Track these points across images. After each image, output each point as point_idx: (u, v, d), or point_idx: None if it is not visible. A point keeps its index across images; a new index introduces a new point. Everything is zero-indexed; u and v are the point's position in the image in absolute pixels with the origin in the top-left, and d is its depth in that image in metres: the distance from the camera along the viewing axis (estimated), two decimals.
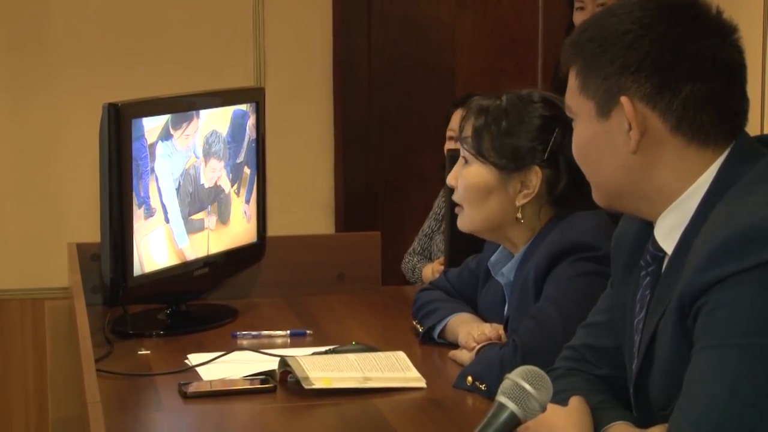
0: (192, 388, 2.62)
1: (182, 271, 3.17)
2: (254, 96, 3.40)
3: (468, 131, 2.78)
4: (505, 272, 2.81)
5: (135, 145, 2.96)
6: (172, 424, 2.59)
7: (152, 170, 3.03)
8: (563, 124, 2.67)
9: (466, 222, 2.82)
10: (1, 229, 4.98)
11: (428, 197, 4.27)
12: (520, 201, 2.73)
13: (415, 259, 4.00)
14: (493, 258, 2.85)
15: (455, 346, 2.84)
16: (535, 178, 2.71)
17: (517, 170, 2.72)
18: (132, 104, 2.99)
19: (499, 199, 2.75)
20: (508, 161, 2.72)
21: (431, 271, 3.82)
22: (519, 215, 2.73)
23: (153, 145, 3.02)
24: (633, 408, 2.00)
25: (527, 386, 1.80)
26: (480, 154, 2.76)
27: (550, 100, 2.75)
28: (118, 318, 3.13)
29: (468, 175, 2.79)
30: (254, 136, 3.34)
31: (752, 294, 1.73)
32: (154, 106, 3.08)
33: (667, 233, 1.90)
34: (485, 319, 2.86)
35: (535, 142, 2.72)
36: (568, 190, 2.72)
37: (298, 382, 2.59)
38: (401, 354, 2.76)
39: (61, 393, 3.30)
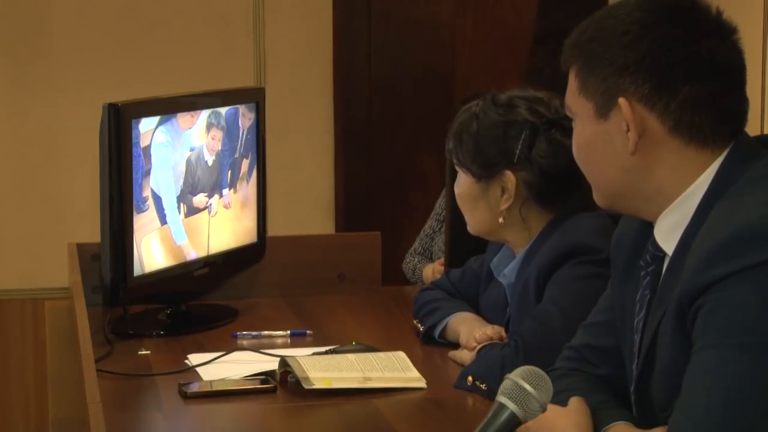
0: (192, 388, 2.62)
1: (182, 271, 3.17)
2: (254, 96, 3.40)
3: (450, 141, 2.80)
4: (506, 273, 2.81)
5: (135, 145, 2.96)
6: (172, 424, 2.59)
7: (153, 170, 3.03)
8: (531, 126, 2.69)
9: (468, 228, 2.85)
10: (1, 229, 4.99)
11: (428, 197, 4.27)
12: (502, 206, 2.74)
13: (416, 259, 4.00)
14: (495, 259, 2.86)
15: (456, 345, 2.84)
16: (510, 182, 2.72)
17: (493, 177, 2.73)
18: (132, 104, 2.99)
19: (484, 205, 2.77)
20: (481, 169, 2.74)
21: (431, 271, 3.82)
22: (501, 220, 2.74)
23: (153, 145, 3.02)
24: (634, 408, 2.00)
25: (527, 386, 1.80)
26: (460, 163, 2.78)
27: (518, 102, 2.74)
28: (118, 318, 3.13)
29: (458, 185, 2.83)
30: (250, 133, 3.32)
31: (751, 293, 1.73)
32: (154, 106, 3.08)
33: (667, 233, 1.90)
34: (487, 320, 2.87)
35: (503, 147, 2.72)
36: (548, 189, 2.72)
37: (298, 382, 2.59)
38: (401, 354, 2.76)
39: (61, 393, 3.30)
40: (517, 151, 2.71)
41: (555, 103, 2.73)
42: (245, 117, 3.31)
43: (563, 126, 2.69)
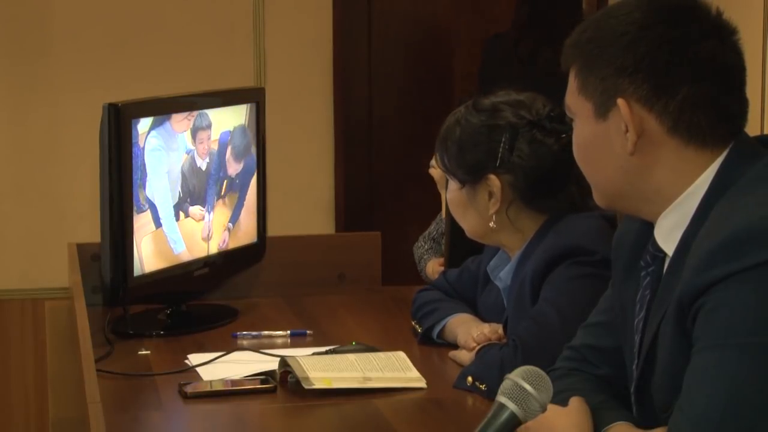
0: (192, 388, 2.62)
1: (182, 271, 3.17)
2: (254, 96, 3.40)
3: (436, 148, 2.81)
4: (502, 276, 2.82)
5: (135, 145, 2.96)
6: (172, 424, 2.59)
7: (152, 170, 3.02)
8: (511, 129, 2.68)
9: (466, 233, 2.84)
10: (1, 229, 4.99)
11: (428, 197, 4.26)
12: (490, 210, 2.74)
13: (426, 246, 3.95)
14: (491, 263, 2.86)
15: (454, 346, 2.84)
16: (495, 186, 2.72)
17: (478, 181, 2.73)
18: (132, 104, 2.99)
19: (474, 211, 2.77)
20: (467, 174, 2.74)
21: (431, 270, 3.82)
22: (492, 224, 2.74)
23: (146, 151, 3.01)
24: (634, 409, 2.00)
25: (527, 386, 1.80)
26: (446, 170, 2.79)
27: (499, 106, 2.74)
28: (118, 318, 3.13)
29: (448, 191, 2.84)
30: (239, 140, 3.31)
31: (751, 294, 1.73)
32: (154, 106, 3.08)
33: (667, 234, 1.90)
34: (485, 321, 2.87)
35: (485, 151, 2.71)
36: (533, 190, 2.71)
37: (298, 382, 2.59)
38: (401, 354, 2.76)
39: (61, 393, 3.30)
40: (499, 155, 2.70)
41: (537, 105, 2.73)
42: (231, 157, 3.29)
43: (544, 127, 2.70)
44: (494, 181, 2.72)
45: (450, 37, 5.51)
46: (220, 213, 3.27)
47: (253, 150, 3.34)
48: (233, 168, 3.28)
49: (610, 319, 2.09)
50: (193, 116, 3.14)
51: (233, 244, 3.31)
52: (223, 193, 3.27)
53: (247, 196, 3.35)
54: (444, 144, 2.78)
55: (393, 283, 3.77)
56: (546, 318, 2.60)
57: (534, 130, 2.70)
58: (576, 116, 1.96)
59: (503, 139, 2.70)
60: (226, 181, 3.26)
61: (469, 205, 2.77)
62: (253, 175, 3.35)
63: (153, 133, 3.02)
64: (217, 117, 3.22)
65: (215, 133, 3.21)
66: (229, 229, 3.29)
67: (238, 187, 3.31)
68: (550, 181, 2.70)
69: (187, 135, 3.13)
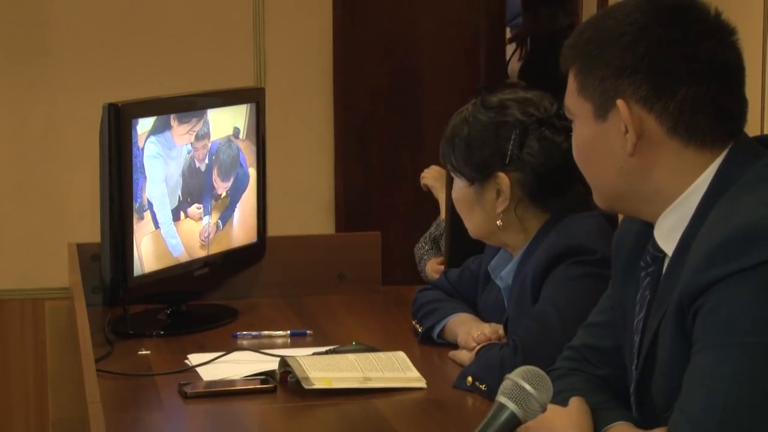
0: (192, 388, 2.62)
1: (182, 271, 3.17)
2: (254, 96, 3.40)
3: (443, 147, 2.80)
4: (503, 276, 2.82)
5: (134, 145, 2.96)
6: (172, 424, 2.59)
7: (150, 174, 3.02)
8: (521, 126, 2.68)
9: (469, 233, 2.85)
10: (1, 229, 4.99)
11: (428, 197, 4.27)
12: (498, 208, 2.74)
13: (427, 246, 3.96)
14: (492, 262, 2.86)
15: (455, 346, 2.84)
16: (504, 184, 2.71)
17: (486, 179, 2.73)
18: (132, 104, 2.99)
19: (481, 209, 2.77)
20: (475, 172, 2.74)
21: (430, 269, 3.82)
22: (499, 222, 2.74)
23: (144, 156, 3.01)
24: (634, 409, 2.00)
25: (527, 386, 1.80)
26: (453, 168, 2.78)
27: (507, 103, 2.74)
28: (118, 318, 3.13)
29: (454, 190, 2.83)
30: (227, 152, 3.30)
31: (751, 293, 1.73)
32: (154, 106, 3.08)
33: (667, 234, 1.90)
34: (486, 321, 2.87)
35: (494, 149, 2.71)
36: (542, 188, 2.71)
37: (298, 382, 2.59)
38: (401, 354, 2.76)
39: (61, 393, 3.30)
40: (509, 152, 2.70)
41: (545, 103, 2.73)
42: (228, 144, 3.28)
43: (553, 124, 2.69)
44: (503, 178, 2.71)
45: (452, 36, 5.51)
46: (215, 215, 3.27)
47: (243, 161, 3.33)
48: (221, 187, 3.27)
49: (610, 319, 2.09)
50: (194, 131, 3.13)
51: (216, 249, 3.29)
52: (217, 200, 3.27)
53: (245, 198, 3.35)
54: (451, 142, 2.78)
55: (393, 283, 3.78)
56: (546, 318, 2.60)
57: (543, 128, 2.70)
58: (575, 117, 1.96)
59: (513, 137, 2.70)
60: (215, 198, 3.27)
61: (476, 204, 2.77)
62: (245, 189, 3.34)
63: (152, 138, 3.01)
64: (217, 117, 3.22)
65: (213, 136, 3.21)
66: (218, 227, 3.29)
67: (228, 199, 3.31)
68: (558, 180, 2.70)
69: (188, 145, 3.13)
